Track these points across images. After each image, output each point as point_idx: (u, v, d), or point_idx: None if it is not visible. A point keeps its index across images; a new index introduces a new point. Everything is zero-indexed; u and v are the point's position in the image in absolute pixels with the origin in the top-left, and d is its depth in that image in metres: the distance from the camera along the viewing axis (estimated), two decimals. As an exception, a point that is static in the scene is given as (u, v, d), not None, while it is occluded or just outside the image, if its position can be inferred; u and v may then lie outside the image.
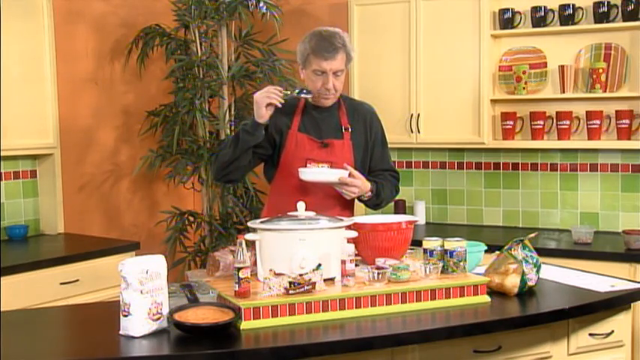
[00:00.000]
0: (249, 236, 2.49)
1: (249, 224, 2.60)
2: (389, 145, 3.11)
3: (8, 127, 3.95)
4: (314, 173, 2.87)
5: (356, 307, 2.38)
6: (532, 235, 2.88)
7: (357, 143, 3.03)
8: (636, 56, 4.13)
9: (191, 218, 4.80)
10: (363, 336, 2.27)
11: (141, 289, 2.22)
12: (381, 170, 3.11)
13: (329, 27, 2.98)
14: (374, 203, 3.04)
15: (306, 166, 2.91)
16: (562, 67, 4.21)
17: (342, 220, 2.63)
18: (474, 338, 2.42)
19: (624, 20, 4.10)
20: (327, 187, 2.93)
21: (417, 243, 2.80)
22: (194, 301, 2.37)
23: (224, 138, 4.63)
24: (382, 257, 2.60)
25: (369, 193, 2.97)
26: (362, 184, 2.91)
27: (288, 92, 2.89)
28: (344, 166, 2.90)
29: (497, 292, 2.62)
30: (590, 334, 2.66)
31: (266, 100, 2.82)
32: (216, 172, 3.03)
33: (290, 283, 2.31)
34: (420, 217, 4.67)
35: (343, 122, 3.03)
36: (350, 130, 3.02)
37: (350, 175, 2.88)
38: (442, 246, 2.61)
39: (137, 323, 2.21)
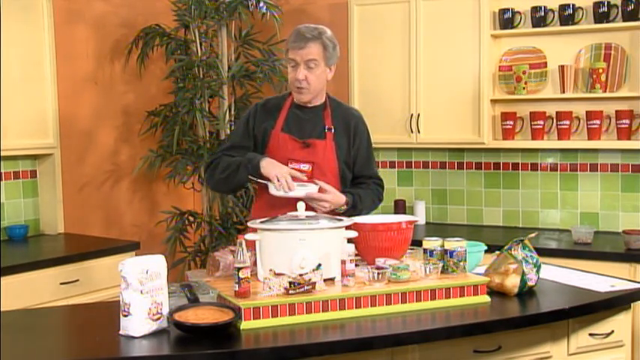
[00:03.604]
0: (249, 236, 2.49)
1: (249, 224, 2.60)
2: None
3: (8, 127, 3.95)
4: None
5: (356, 307, 2.38)
6: (532, 235, 2.88)
7: (340, 145, 2.99)
8: (636, 56, 4.13)
9: (191, 218, 4.80)
10: (363, 336, 2.28)
11: (141, 289, 2.22)
12: (365, 177, 3.07)
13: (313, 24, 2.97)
14: (351, 215, 2.87)
15: (287, 166, 2.88)
16: (562, 67, 4.21)
17: (342, 220, 2.63)
18: (474, 338, 2.42)
19: (624, 20, 4.10)
20: None
21: (417, 243, 2.80)
22: (194, 301, 2.37)
23: (224, 138, 4.63)
24: (382, 257, 2.60)
25: (345, 206, 2.91)
26: (333, 199, 2.85)
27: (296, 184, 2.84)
28: (314, 181, 2.86)
29: (497, 292, 2.62)
30: (590, 334, 2.66)
31: (277, 184, 2.80)
32: (214, 188, 3.21)
33: (290, 283, 2.31)
34: (420, 217, 4.67)
35: (327, 123, 2.99)
36: (333, 130, 2.99)
37: (320, 190, 2.84)
38: (442, 246, 2.61)
39: (137, 323, 2.21)
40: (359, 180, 3.06)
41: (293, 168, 2.89)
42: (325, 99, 3.04)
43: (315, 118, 2.99)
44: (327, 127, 2.99)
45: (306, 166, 2.92)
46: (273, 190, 2.84)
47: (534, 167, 4.49)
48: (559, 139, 4.26)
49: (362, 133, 3.07)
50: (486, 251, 2.91)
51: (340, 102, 3.15)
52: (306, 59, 2.86)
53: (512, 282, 2.61)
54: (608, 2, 4.12)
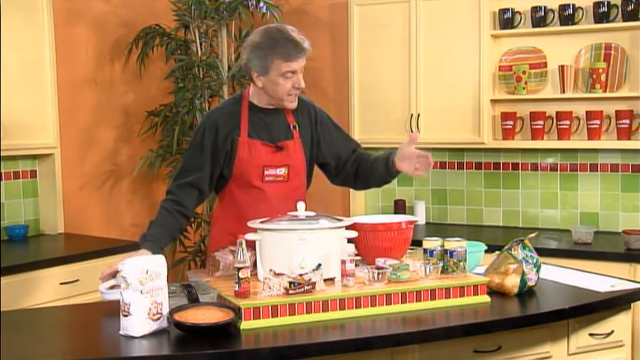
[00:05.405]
0: (249, 236, 2.49)
1: (249, 224, 2.59)
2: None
3: (8, 127, 3.95)
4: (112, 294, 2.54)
5: (356, 307, 2.38)
6: (532, 235, 2.87)
7: (305, 140, 2.92)
8: (636, 56, 4.13)
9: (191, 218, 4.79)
10: (363, 336, 2.27)
11: (141, 289, 2.22)
12: (355, 150, 3.01)
13: (274, 25, 2.85)
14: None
15: (263, 173, 2.82)
16: (562, 67, 4.21)
17: (342, 220, 2.63)
18: (474, 338, 2.42)
19: (624, 20, 4.10)
20: (287, 193, 2.85)
21: (417, 243, 2.80)
22: (194, 301, 2.37)
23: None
24: (382, 257, 2.60)
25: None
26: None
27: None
28: (414, 133, 2.76)
29: (497, 292, 2.62)
30: (590, 334, 2.66)
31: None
32: None
33: (290, 283, 2.31)
34: (420, 217, 4.67)
35: (290, 120, 2.91)
36: (297, 127, 2.91)
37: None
38: (442, 246, 2.61)
39: (137, 323, 2.21)
40: (353, 155, 2.99)
41: (269, 174, 2.83)
42: None
43: (279, 118, 2.89)
44: (291, 125, 2.91)
45: (282, 170, 2.85)
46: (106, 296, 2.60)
47: (534, 167, 4.49)
48: (559, 139, 4.26)
49: (322, 115, 3.00)
50: (486, 251, 2.91)
51: None
52: (301, 66, 2.79)
53: (512, 282, 2.61)
54: (608, 2, 4.12)
